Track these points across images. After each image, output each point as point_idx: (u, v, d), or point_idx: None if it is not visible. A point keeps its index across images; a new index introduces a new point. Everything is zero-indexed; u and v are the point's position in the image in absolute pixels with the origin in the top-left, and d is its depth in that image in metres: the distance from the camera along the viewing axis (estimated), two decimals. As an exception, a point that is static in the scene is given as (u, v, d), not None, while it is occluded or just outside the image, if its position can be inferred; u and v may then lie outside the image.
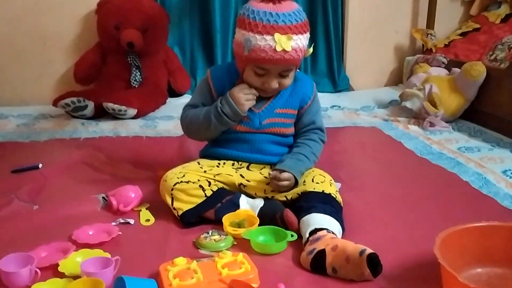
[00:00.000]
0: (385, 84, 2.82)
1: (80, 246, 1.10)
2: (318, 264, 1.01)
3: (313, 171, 1.29)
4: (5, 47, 2.48)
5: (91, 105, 2.21)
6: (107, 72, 2.46)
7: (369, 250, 0.96)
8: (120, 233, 1.17)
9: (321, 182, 1.23)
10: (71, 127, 2.10)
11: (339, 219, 1.14)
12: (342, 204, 1.22)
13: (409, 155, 1.73)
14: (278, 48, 1.15)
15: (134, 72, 2.43)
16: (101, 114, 2.25)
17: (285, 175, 1.22)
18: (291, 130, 1.34)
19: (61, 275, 0.98)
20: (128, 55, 2.41)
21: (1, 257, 0.99)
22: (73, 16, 2.49)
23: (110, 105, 2.17)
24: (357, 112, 2.33)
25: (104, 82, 2.45)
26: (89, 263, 0.97)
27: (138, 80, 2.43)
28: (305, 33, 1.20)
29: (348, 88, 2.75)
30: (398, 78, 2.80)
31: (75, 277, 0.97)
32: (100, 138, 1.96)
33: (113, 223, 1.22)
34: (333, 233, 1.08)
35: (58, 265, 1.01)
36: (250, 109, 1.28)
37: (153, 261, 1.04)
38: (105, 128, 2.10)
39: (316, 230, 1.08)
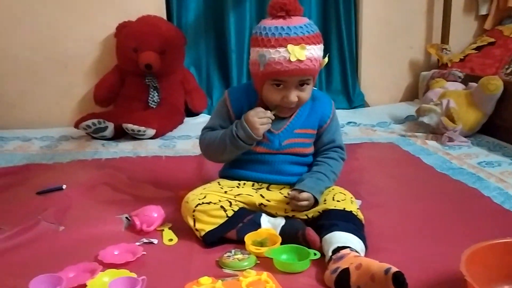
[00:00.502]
0: (400, 100, 2.82)
1: (106, 266, 1.12)
2: (342, 283, 1.01)
3: (333, 189, 1.30)
4: (28, 71, 2.54)
5: (111, 126, 2.25)
6: (126, 93, 2.51)
7: (394, 269, 0.96)
8: (145, 253, 1.19)
9: (342, 200, 1.23)
10: (92, 148, 2.14)
11: (362, 237, 1.15)
12: (363, 222, 1.22)
13: (428, 170, 1.73)
14: (293, 58, 1.16)
15: (152, 93, 2.47)
16: (120, 135, 2.29)
17: (304, 195, 1.23)
18: (310, 150, 1.35)
19: (89, 296, 1.00)
20: (146, 76, 2.46)
21: (30, 278, 1.01)
22: (93, 40, 2.55)
23: (129, 126, 2.21)
24: (374, 128, 2.34)
25: (123, 103, 2.50)
26: (117, 283, 0.99)
27: (156, 100, 2.47)
28: (318, 44, 1.22)
29: (364, 104, 2.76)
30: (413, 93, 2.80)
31: (103, 297, 0.99)
32: (120, 159, 1.99)
33: (137, 243, 1.24)
34: (356, 251, 1.08)
35: (86, 286, 1.03)
36: (269, 131, 1.29)
37: (178, 281, 1.05)
38: (125, 148, 2.14)
39: (339, 249, 1.08)
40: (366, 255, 1.11)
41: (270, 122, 1.26)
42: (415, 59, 2.79)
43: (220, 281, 1.00)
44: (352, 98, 2.74)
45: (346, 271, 1.01)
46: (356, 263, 1.01)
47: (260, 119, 1.24)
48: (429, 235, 1.25)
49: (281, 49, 1.17)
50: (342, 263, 1.03)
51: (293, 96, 1.23)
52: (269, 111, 1.26)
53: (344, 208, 1.21)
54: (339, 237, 1.12)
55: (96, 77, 2.55)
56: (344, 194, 1.27)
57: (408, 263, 1.06)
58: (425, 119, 2.13)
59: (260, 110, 1.25)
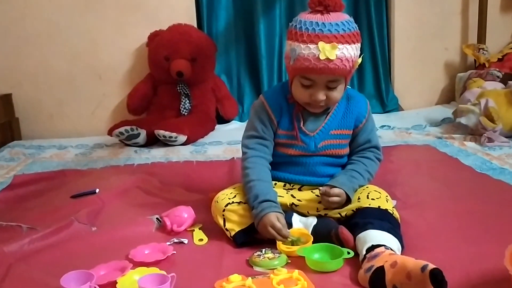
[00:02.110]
0: (436, 103, 2.74)
1: (136, 264, 1.11)
2: (377, 282, 0.96)
3: (367, 187, 1.26)
4: (65, 83, 2.62)
5: (143, 133, 2.28)
6: (158, 101, 2.54)
7: (431, 266, 0.91)
8: (175, 252, 1.18)
9: (377, 198, 1.19)
10: (125, 155, 2.17)
11: (398, 235, 1.10)
12: (399, 221, 1.17)
13: (467, 171, 1.66)
14: (322, 57, 1.12)
15: (184, 101, 2.50)
16: (153, 141, 2.32)
17: (336, 190, 1.19)
18: (346, 151, 1.31)
19: (120, 293, 1.00)
20: (178, 84, 2.49)
21: (63, 275, 1.01)
22: (126, 50, 2.60)
23: (161, 132, 2.23)
24: (408, 131, 2.27)
25: (155, 111, 2.54)
26: (146, 280, 0.98)
27: (187, 108, 2.50)
28: (353, 43, 1.16)
29: (398, 108, 2.70)
30: (449, 96, 2.72)
31: (133, 294, 0.98)
32: (152, 164, 2.01)
33: (168, 243, 1.24)
34: (391, 249, 1.04)
35: (116, 282, 1.02)
36: (304, 133, 1.26)
37: (208, 279, 1.04)
38: (157, 154, 2.16)
39: (374, 247, 1.04)
40: (402, 254, 1.06)
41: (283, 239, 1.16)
42: (451, 60, 2.71)
43: (250, 278, 0.98)
44: (386, 102, 2.68)
45: (380, 270, 0.96)
46: (391, 261, 0.97)
47: (272, 233, 1.15)
48: (469, 235, 1.19)
49: (312, 46, 1.14)
50: (376, 261, 0.99)
51: (321, 95, 1.19)
52: (288, 236, 1.15)
53: (379, 206, 1.16)
54: (374, 236, 1.07)
55: (129, 86, 2.60)
56: (379, 193, 1.22)
57: (448, 262, 1.01)
58: (463, 120, 2.06)
59: (280, 227, 1.14)
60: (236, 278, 0.98)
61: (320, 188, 1.22)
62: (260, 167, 1.25)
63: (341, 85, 1.21)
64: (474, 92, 2.16)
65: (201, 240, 1.25)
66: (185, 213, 1.33)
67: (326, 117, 1.27)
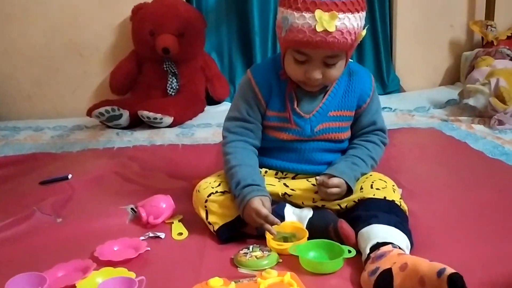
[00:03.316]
0: (439, 84, 2.59)
1: (102, 264, 0.96)
2: (383, 286, 0.82)
3: (371, 175, 1.10)
4: (42, 59, 2.45)
5: (126, 114, 2.12)
6: (143, 80, 2.38)
7: (449, 270, 0.76)
8: (149, 248, 1.03)
9: (383, 188, 1.04)
10: (105, 137, 2.01)
11: (406, 231, 0.95)
12: (407, 214, 1.02)
13: (478, 157, 1.51)
14: (319, 28, 0.95)
15: (171, 80, 2.33)
16: (136, 123, 2.16)
17: (335, 180, 1.04)
18: (347, 135, 1.15)
19: (78, 299, 0.85)
20: (164, 62, 2.31)
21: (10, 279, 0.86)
22: (109, 25, 2.42)
23: (145, 113, 2.07)
24: (411, 113, 2.12)
25: (140, 91, 2.37)
26: (109, 285, 0.83)
27: (174, 87, 2.33)
28: (358, 12, 0.98)
29: (399, 89, 2.54)
30: (454, 76, 2.57)
31: (93, 301, 0.83)
32: (134, 148, 1.85)
33: (142, 238, 1.08)
34: (399, 248, 0.89)
35: (75, 287, 0.87)
36: (298, 115, 1.10)
37: (185, 282, 0.89)
38: (140, 137, 2.00)
39: (379, 245, 0.89)
40: (411, 254, 0.91)
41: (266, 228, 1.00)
42: (456, 38, 2.54)
43: (233, 283, 0.83)
44: (387, 83, 2.52)
45: (388, 273, 0.81)
46: (401, 262, 0.82)
47: (259, 222, 0.99)
48: (487, 230, 1.04)
49: (307, 14, 0.95)
50: (383, 262, 0.84)
51: (317, 73, 1.02)
52: (272, 230, 0.99)
53: (385, 197, 1.01)
54: (379, 231, 0.92)
55: (112, 64, 2.43)
56: (385, 182, 1.07)
57: (466, 263, 0.86)
58: (471, 101, 1.90)
59: (265, 213, 0.98)
60: (216, 282, 0.83)
61: (317, 177, 1.06)
62: (243, 151, 1.10)
63: (341, 62, 1.03)
64: (483, 71, 2.00)
65: (180, 234, 1.10)
66: (163, 203, 1.17)
67: (324, 96, 1.10)
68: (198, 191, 1.09)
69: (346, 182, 1.04)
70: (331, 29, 0.95)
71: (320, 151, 1.13)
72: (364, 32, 1.02)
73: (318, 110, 1.10)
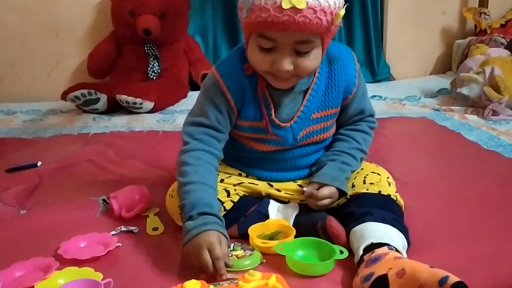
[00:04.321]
0: (430, 73, 2.52)
1: (66, 262, 0.86)
2: (378, 294, 0.73)
3: (362, 169, 1.01)
4: (16, 39, 2.33)
5: (103, 98, 2.01)
6: (123, 63, 2.26)
7: (453, 278, 0.68)
8: (120, 245, 0.93)
9: (377, 182, 0.95)
10: (81, 123, 1.90)
11: (403, 229, 0.87)
12: (403, 209, 0.94)
13: (473, 148, 1.44)
14: (285, 5, 0.79)
15: (152, 63, 2.21)
16: (115, 108, 2.05)
17: (325, 191, 0.92)
18: (332, 131, 1.03)
19: (36, 303, 0.75)
20: (145, 44, 2.20)
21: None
22: (86, 4, 2.31)
23: (123, 97, 1.96)
24: (402, 102, 2.04)
25: (119, 74, 2.26)
26: (71, 289, 0.73)
27: (156, 71, 2.22)
28: None
29: (389, 77, 2.47)
30: (445, 65, 2.50)
31: (54, 306, 0.73)
32: (111, 134, 1.75)
33: (113, 232, 0.99)
34: (396, 250, 0.80)
35: (34, 290, 0.78)
36: (277, 125, 0.95)
37: (158, 285, 0.80)
38: (118, 123, 1.90)
39: (374, 246, 0.81)
40: (408, 255, 0.83)
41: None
42: (448, 25, 2.47)
43: (212, 286, 0.74)
44: (376, 71, 2.45)
45: (383, 280, 0.73)
46: (398, 268, 0.73)
47: (205, 259, 0.80)
48: (487, 225, 0.96)
49: None
50: (377, 267, 0.76)
51: (286, 63, 0.85)
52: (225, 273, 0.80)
53: (380, 191, 0.92)
54: (374, 230, 0.84)
55: (90, 45, 2.30)
56: (379, 174, 0.98)
57: (465, 263, 0.80)
58: (464, 90, 1.83)
59: (219, 255, 0.80)
60: (193, 285, 0.74)
61: (305, 189, 0.95)
62: (206, 166, 0.92)
63: (316, 50, 0.86)
64: (477, 59, 1.93)
65: (155, 229, 1.01)
66: (137, 195, 1.07)
67: (304, 96, 0.96)
68: (172, 196, 0.98)
69: (337, 189, 0.94)
70: (301, 5, 0.79)
71: (303, 156, 1.01)
72: (342, 12, 0.84)
73: (299, 115, 0.96)
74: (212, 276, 0.79)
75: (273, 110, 0.95)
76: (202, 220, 0.84)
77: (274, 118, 0.95)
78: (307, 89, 0.95)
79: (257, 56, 0.88)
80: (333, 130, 1.03)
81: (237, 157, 1.03)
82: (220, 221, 0.86)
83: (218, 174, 0.97)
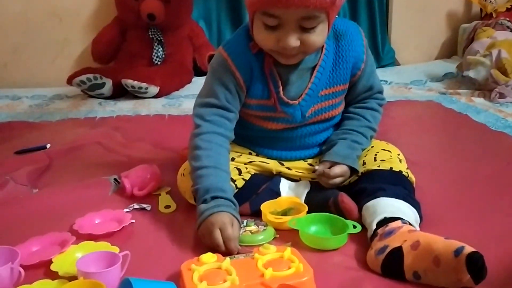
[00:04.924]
0: (435, 57, 2.50)
1: (82, 237, 0.87)
2: (392, 267, 0.74)
3: (372, 147, 1.01)
4: (19, 25, 2.31)
5: (109, 83, 2.00)
6: (127, 49, 2.25)
7: (468, 248, 0.69)
8: (134, 221, 0.94)
9: (388, 159, 0.95)
10: (87, 107, 1.90)
11: (415, 204, 0.87)
12: (414, 185, 0.95)
13: (481, 129, 1.44)
14: None
15: (156, 48, 2.20)
16: (120, 93, 2.05)
17: (337, 170, 0.93)
18: (341, 109, 1.03)
19: (54, 275, 0.76)
20: (150, 29, 2.19)
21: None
22: (90, -11, 2.29)
23: (129, 82, 1.95)
24: (408, 86, 2.04)
25: (124, 59, 2.25)
26: (89, 260, 0.74)
27: (160, 56, 2.21)
28: None
29: (394, 62, 2.46)
30: (450, 49, 2.49)
31: (71, 278, 0.74)
32: (117, 118, 1.76)
33: (126, 210, 0.99)
34: (409, 224, 0.81)
35: (52, 262, 0.78)
36: (285, 102, 0.95)
37: (173, 258, 0.81)
38: (124, 107, 1.90)
39: (387, 220, 0.81)
40: (420, 230, 0.84)
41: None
42: (454, 10, 2.45)
43: (228, 259, 0.75)
44: (381, 56, 2.43)
45: (398, 252, 0.74)
46: (412, 240, 0.74)
47: (216, 238, 0.81)
48: (497, 202, 0.97)
49: None
50: (392, 240, 0.76)
51: (292, 40, 0.85)
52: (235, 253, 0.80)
53: (391, 168, 0.93)
54: (386, 205, 0.84)
55: (95, 31, 2.29)
56: (389, 151, 0.98)
57: (478, 238, 0.80)
58: (471, 73, 1.82)
59: (230, 236, 0.81)
60: (209, 258, 0.75)
61: (316, 168, 0.95)
62: (218, 149, 0.93)
63: (321, 25, 0.86)
64: (483, 42, 1.92)
65: (167, 207, 1.01)
66: (149, 174, 1.08)
67: (311, 73, 0.96)
68: (183, 175, 0.98)
69: (349, 167, 0.94)
70: None
71: (312, 134, 1.01)
72: None
73: (307, 92, 0.96)
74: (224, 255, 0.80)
75: (281, 88, 0.95)
76: (215, 203, 0.85)
77: (282, 96, 0.95)
78: (315, 66, 0.96)
79: (262, 34, 0.88)
80: (341, 107, 1.03)
81: (246, 136, 1.03)
82: (234, 205, 0.87)
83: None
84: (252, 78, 0.94)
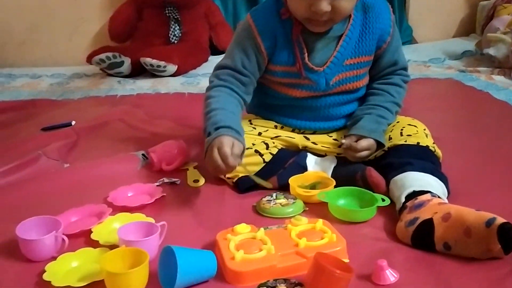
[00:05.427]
0: (453, 35, 2.48)
1: (117, 209, 0.90)
2: (423, 238, 0.76)
3: (398, 122, 1.03)
4: (37, 5, 2.32)
5: (127, 61, 2.01)
6: (144, 27, 2.25)
7: (500, 219, 0.70)
8: (165, 194, 0.96)
9: (414, 134, 0.97)
10: (107, 85, 1.92)
11: (443, 178, 0.88)
12: (441, 160, 0.96)
13: (502, 106, 1.44)
14: None
15: (173, 27, 2.20)
16: (138, 72, 2.06)
17: (363, 143, 0.95)
18: (365, 81, 1.04)
19: (95, 244, 0.79)
20: (166, 7, 2.18)
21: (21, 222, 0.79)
22: (106, -34, 2.28)
23: (148, 60, 1.97)
24: (426, 64, 2.03)
25: (140, 38, 2.25)
26: (129, 230, 0.77)
27: (177, 35, 2.21)
28: None
29: (411, 40, 2.44)
30: (468, 27, 2.46)
31: (111, 246, 0.77)
32: (138, 96, 1.77)
33: (156, 184, 1.02)
34: (438, 197, 0.82)
35: (91, 232, 0.81)
36: (311, 69, 0.97)
37: (207, 229, 0.84)
38: (143, 85, 1.91)
39: (415, 194, 0.82)
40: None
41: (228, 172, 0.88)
42: (473, -14, 2.42)
43: (262, 229, 0.77)
44: (399, 33, 2.40)
45: (428, 223, 0.75)
46: (443, 212, 0.76)
47: (215, 157, 0.84)
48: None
49: None
50: (422, 212, 0.78)
51: (324, 4, 0.88)
52: (235, 159, 0.85)
53: (418, 143, 0.94)
54: (414, 179, 0.85)
55: (111, 9, 2.30)
56: (415, 126, 1.00)
57: (507, 212, 0.80)
58: (491, 51, 1.81)
59: (227, 153, 0.84)
60: (243, 228, 0.77)
61: (343, 141, 0.97)
62: (228, 97, 0.97)
63: None
64: (504, 19, 1.90)
65: (196, 181, 1.03)
66: (176, 149, 1.10)
67: (337, 42, 0.98)
68: None
69: (375, 140, 0.96)
70: None
71: (337, 105, 1.03)
72: None
73: (332, 60, 0.98)
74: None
75: (306, 54, 0.98)
76: (217, 133, 0.88)
77: (307, 61, 0.98)
78: (341, 36, 0.98)
79: (295, 1, 0.91)
80: (366, 80, 1.04)
81: (270, 106, 1.05)
82: (237, 132, 0.89)
83: (254, 128, 1.00)
84: (276, 45, 0.97)
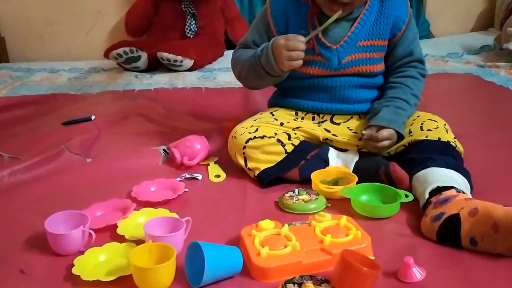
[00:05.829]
0: (471, 30, 2.45)
1: (141, 204, 0.91)
2: (449, 233, 0.76)
3: (418, 116, 1.02)
4: (55, -1, 2.33)
5: (144, 56, 2.02)
6: (160, 21, 2.26)
7: (529, 215, 0.70)
8: (187, 190, 0.97)
9: (434, 129, 0.96)
10: (124, 80, 1.93)
11: (465, 173, 0.88)
12: (463, 156, 0.95)
13: (524, 102, 1.42)
14: None
15: (189, 21, 2.21)
16: (155, 66, 2.07)
17: (384, 133, 0.95)
18: (380, 67, 1.05)
19: (121, 239, 0.80)
20: (182, 2, 2.19)
21: (48, 216, 0.80)
22: (123, -39, 2.29)
23: (165, 54, 1.97)
24: (444, 59, 2.01)
25: (157, 32, 2.26)
26: (154, 225, 0.78)
27: (193, 29, 2.21)
28: None
29: (428, 34, 2.41)
30: (487, 21, 2.43)
31: (137, 241, 0.78)
32: (155, 90, 1.78)
33: (178, 179, 1.03)
34: (462, 192, 0.82)
35: (117, 226, 0.82)
36: (324, 45, 1.00)
37: (230, 224, 0.84)
38: (160, 80, 1.92)
39: (440, 189, 0.82)
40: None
41: (302, 57, 0.95)
42: (492, -20, 2.39)
43: (286, 225, 0.77)
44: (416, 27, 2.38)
45: (455, 218, 0.75)
46: (470, 207, 0.75)
47: (289, 52, 0.94)
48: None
49: None
50: (448, 207, 0.78)
51: None
52: (303, 40, 0.95)
53: (439, 138, 0.94)
54: (438, 175, 0.85)
55: (128, 3, 2.31)
56: (436, 121, 0.99)
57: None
58: (511, 46, 1.79)
59: (294, 38, 0.95)
60: (268, 224, 0.78)
61: (363, 132, 0.97)
62: (251, 51, 1.06)
63: None
64: (525, 13, 1.87)
65: (217, 176, 1.04)
66: (198, 144, 1.11)
67: (352, 24, 1.01)
68: (235, 137, 1.01)
69: (395, 131, 0.96)
70: None
71: (353, 87, 1.04)
72: None
73: (346, 39, 1.01)
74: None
75: (320, 33, 1.00)
76: (266, 44, 0.98)
77: (321, 37, 1.01)
78: (356, 18, 1.01)
79: None
80: (381, 66, 1.06)
81: (288, 90, 1.08)
82: None
83: (276, 119, 1.04)
84: (288, 24, 1.03)
